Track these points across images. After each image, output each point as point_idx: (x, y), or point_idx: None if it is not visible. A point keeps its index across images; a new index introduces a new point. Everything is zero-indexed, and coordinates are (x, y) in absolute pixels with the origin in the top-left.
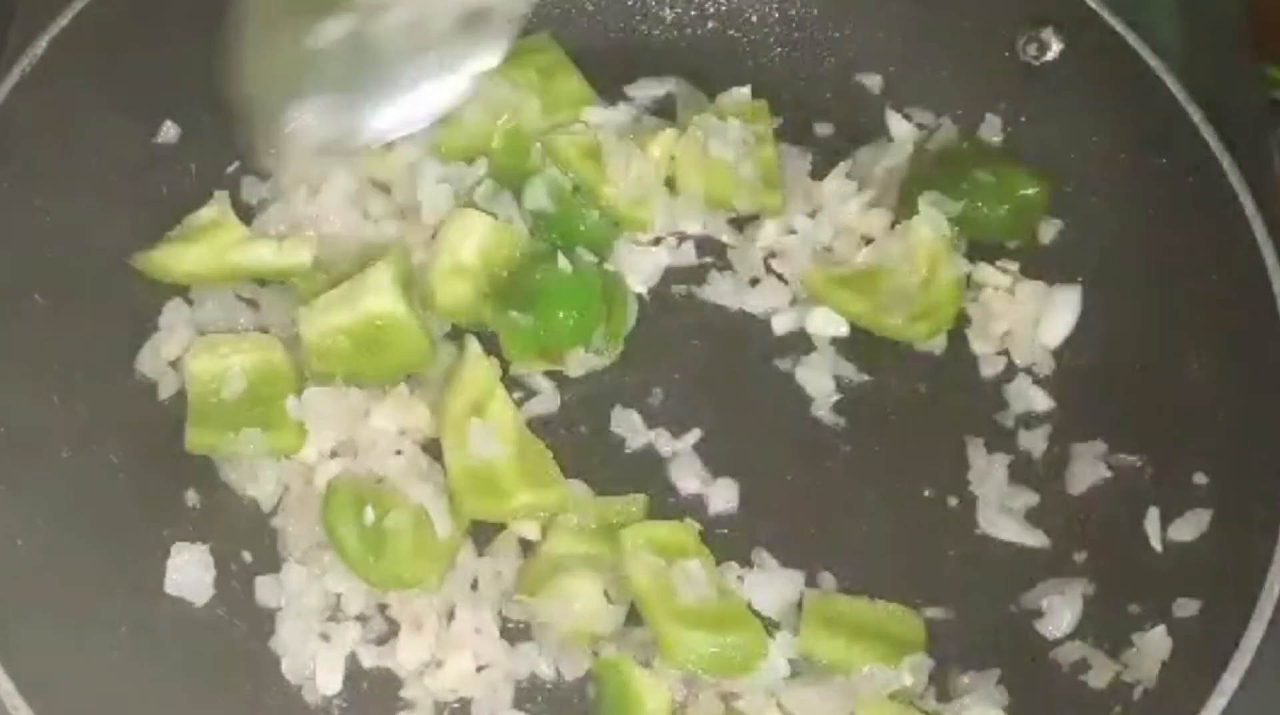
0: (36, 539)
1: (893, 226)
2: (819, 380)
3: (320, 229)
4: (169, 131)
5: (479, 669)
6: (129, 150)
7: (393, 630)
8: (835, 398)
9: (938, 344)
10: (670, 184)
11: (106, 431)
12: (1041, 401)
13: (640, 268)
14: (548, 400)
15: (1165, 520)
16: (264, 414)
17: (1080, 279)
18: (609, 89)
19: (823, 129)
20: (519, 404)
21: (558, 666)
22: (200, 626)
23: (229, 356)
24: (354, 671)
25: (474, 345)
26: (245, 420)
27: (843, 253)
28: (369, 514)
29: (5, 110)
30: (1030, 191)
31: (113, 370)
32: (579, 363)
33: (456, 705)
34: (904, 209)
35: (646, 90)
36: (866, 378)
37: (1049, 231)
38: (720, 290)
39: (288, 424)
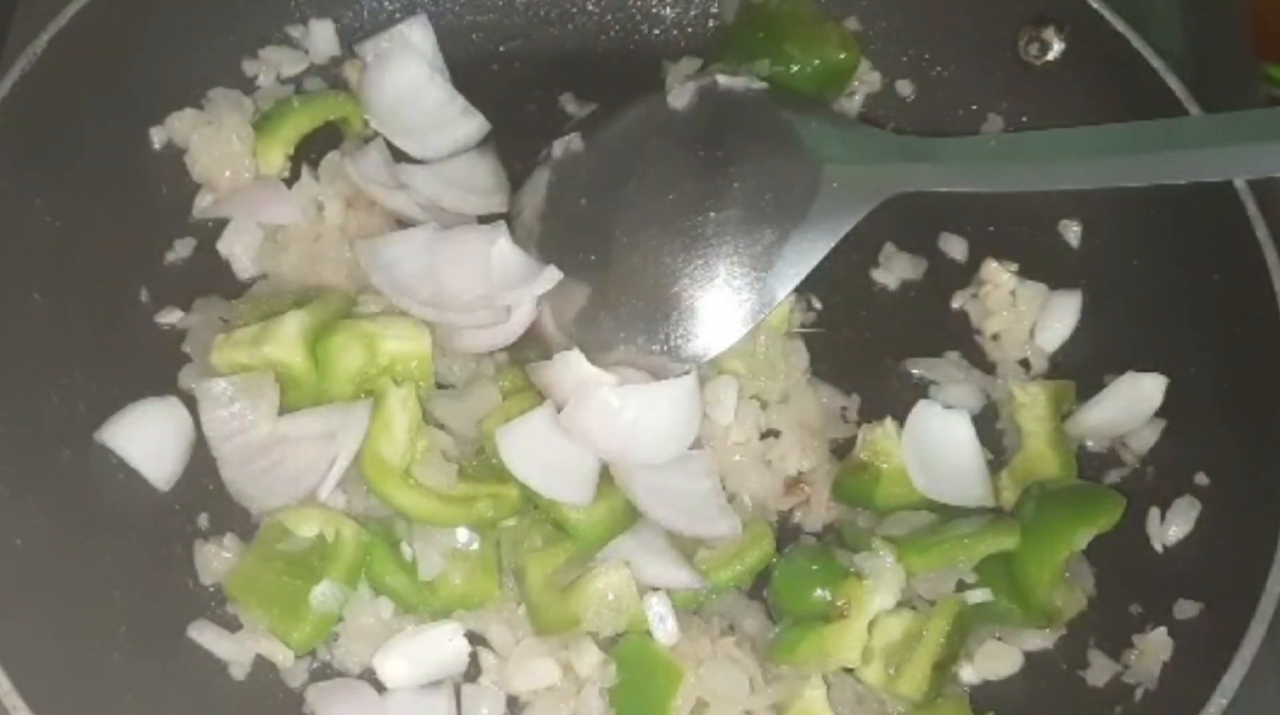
0: (36, 539)
1: None
2: None
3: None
4: (169, 130)
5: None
6: (129, 149)
7: None
8: None
9: None
10: None
11: None
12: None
13: None
14: None
15: (1165, 520)
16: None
17: (1081, 278)
18: (608, 91)
19: None
20: None
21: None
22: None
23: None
24: None
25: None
26: None
27: None
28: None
29: (5, 108)
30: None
31: (113, 370)
32: None
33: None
34: None
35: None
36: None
37: (1064, 234)
38: None
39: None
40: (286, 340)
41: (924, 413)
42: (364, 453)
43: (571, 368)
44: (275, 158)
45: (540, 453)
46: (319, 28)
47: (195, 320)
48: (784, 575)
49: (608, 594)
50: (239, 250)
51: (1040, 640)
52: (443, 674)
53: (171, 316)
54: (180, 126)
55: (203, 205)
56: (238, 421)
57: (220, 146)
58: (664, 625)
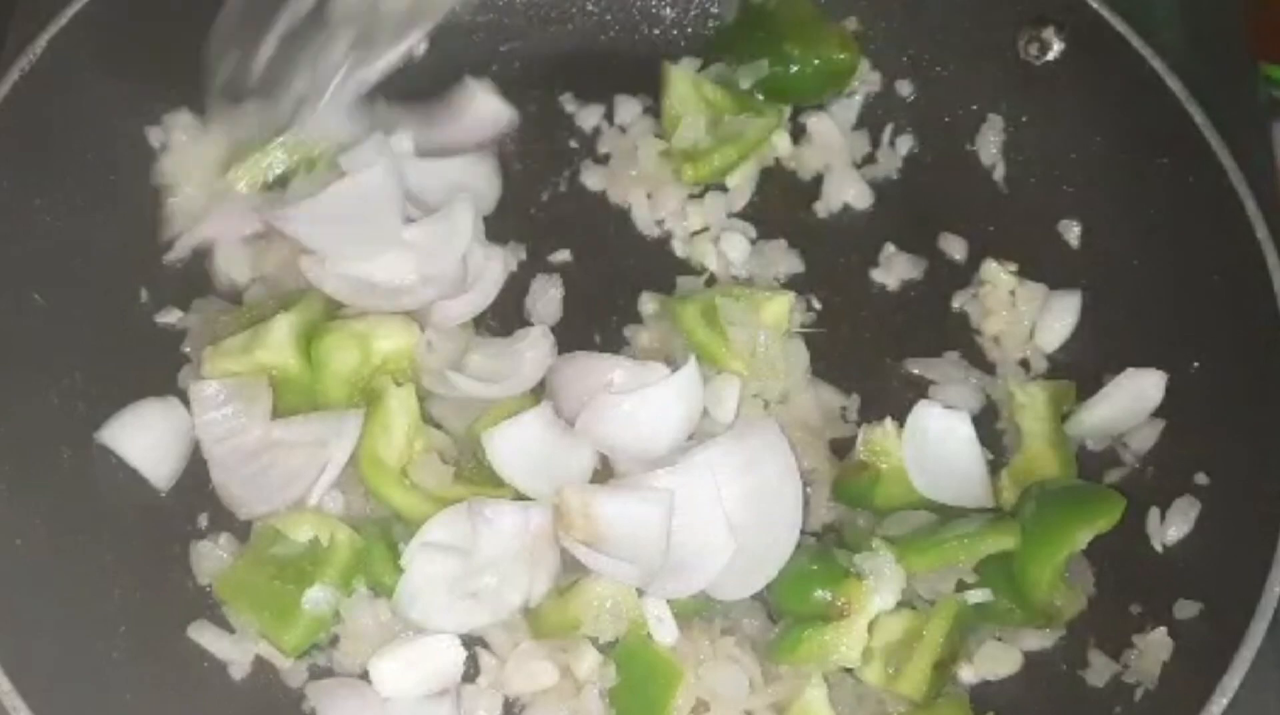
0: (36, 539)
1: None
2: None
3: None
4: (167, 131)
5: None
6: (127, 150)
7: None
8: None
9: None
10: None
11: None
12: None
13: None
14: None
15: (1165, 520)
16: None
17: (1081, 278)
18: (608, 91)
19: None
20: None
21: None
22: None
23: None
24: None
25: (395, 393)
26: None
27: None
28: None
29: (4, 109)
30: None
31: (113, 370)
32: None
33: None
34: None
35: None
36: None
37: (1064, 234)
38: None
39: None
40: (277, 344)
41: (924, 413)
42: (362, 452)
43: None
44: (251, 182)
45: (530, 456)
46: None
47: (195, 320)
48: (784, 575)
49: (606, 599)
50: (233, 270)
51: (1040, 640)
52: (439, 684)
53: (171, 316)
54: (176, 129)
55: (181, 236)
56: (230, 424)
57: (197, 159)
58: (663, 625)
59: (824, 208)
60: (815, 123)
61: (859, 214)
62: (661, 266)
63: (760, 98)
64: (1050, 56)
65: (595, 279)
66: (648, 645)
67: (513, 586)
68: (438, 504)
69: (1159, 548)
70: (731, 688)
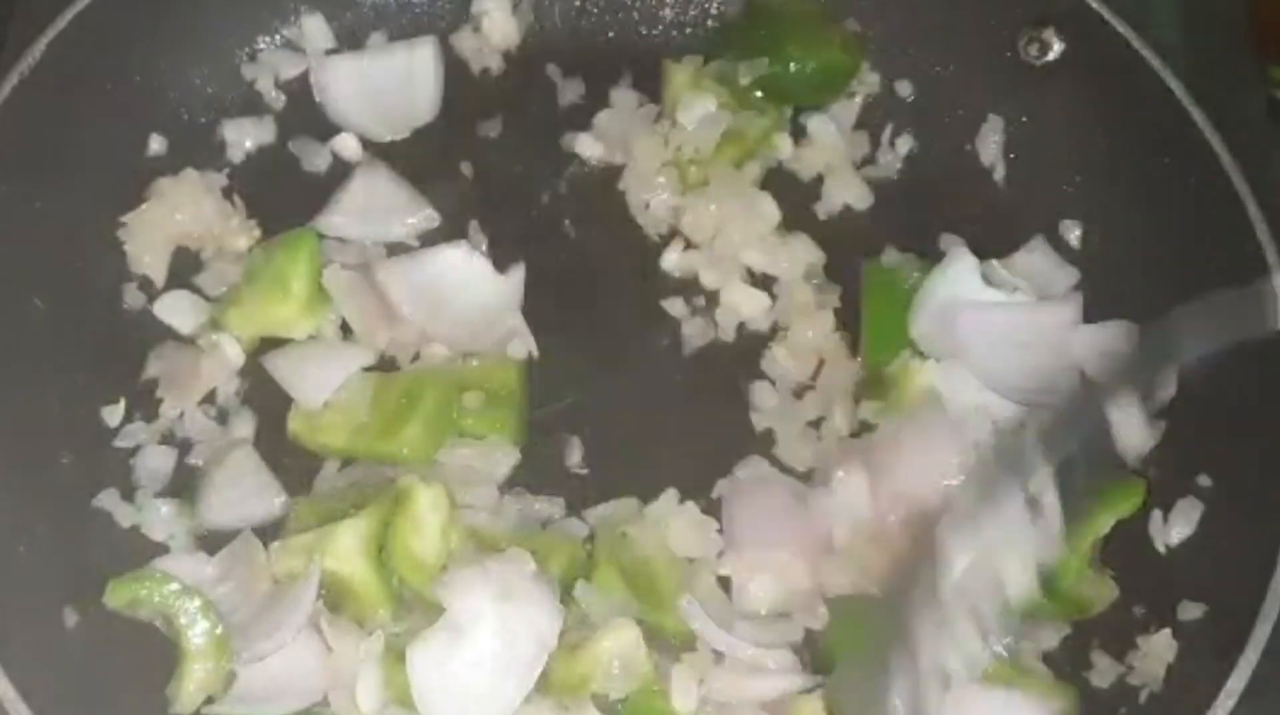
0: (39, 545)
1: None
2: None
3: None
4: (166, 134)
5: None
6: (127, 152)
7: None
8: None
9: None
10: None
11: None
12: None
13: None
14: None
15: (1168, 522)
16: None
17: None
18: (608, 91)
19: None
20: None
21: None
22: None
23: None
24: None
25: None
26: None
27: None
28: None
29: (4, 112)
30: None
31: (114, 376)
32: None
33: None
34: None
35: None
36: None
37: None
38: None
39: None
40: (345, 553)
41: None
42: (394, 554)
43: None
44: None
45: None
46: (311, 22)
47: (158, 367)
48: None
49: (618, 655)
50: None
51: (1049, 638)
52: None
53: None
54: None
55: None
56: (234, 598)
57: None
58: (686, 695)
59: (824, 209)
60: (815, 124)
61: (859, 214)
62: (662, 267)
63: (759, 96)
64: (1050, 56)
65: (596, 279)
66: (657, 703)
67: (523, 644)
68: None
69: (1162, 549)
70: None
